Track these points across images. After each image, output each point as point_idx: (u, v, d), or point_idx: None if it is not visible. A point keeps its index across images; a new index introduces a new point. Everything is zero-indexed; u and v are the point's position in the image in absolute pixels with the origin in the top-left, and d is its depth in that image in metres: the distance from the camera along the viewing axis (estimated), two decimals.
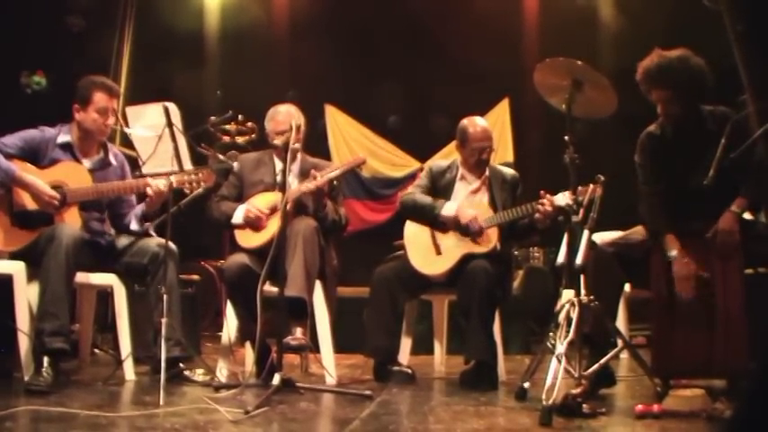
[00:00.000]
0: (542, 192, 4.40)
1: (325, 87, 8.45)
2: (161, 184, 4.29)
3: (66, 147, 4.43)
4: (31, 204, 4.26)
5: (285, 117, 4.59)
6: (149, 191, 4.33)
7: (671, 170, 3.96)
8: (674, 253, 3.81)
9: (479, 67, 7.73)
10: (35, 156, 4.35)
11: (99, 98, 4.40)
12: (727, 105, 3.87)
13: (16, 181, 4.21)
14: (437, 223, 4.68)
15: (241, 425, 3.22)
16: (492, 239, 4.58)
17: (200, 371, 4.45)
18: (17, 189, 4.24)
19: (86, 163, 4.46)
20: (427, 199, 4.73)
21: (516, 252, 6.67)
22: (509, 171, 4.89)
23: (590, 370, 3.65)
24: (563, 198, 4.27)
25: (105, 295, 4.96)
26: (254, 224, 4.51)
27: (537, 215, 4.44)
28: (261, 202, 4.56)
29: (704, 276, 3.77)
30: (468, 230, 4.59)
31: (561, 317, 3.70)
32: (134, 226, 4.53)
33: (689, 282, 3.77)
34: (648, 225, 4.00)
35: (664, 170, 3.99)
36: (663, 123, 4.04)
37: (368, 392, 3.92)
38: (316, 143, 7.35)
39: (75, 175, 4.35)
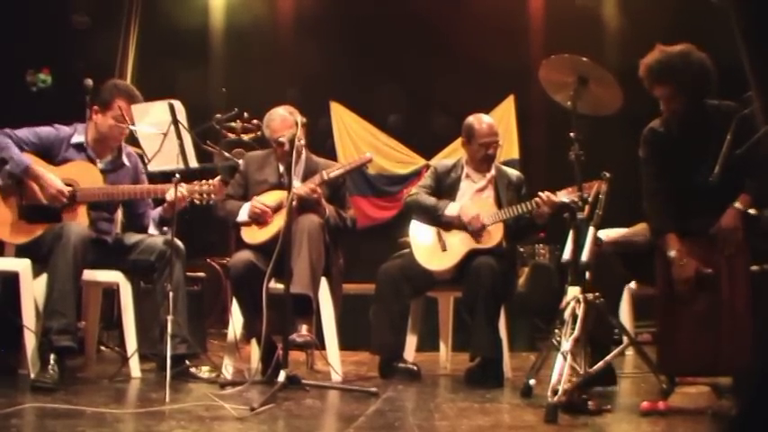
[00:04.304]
0: (540, 193, 4.44)
1: (331, 84, 8.44)
2: (173, 193, 4.29)
3: (80, 147, 4.45)
4: (41, 199, 4.27)
5: (280, 125, 4.59)
6: (168, 197, 4.34)
7: (676, 167, 3.94)
8: (672, 253, 3.78)
9: (485, 64, 7.71)
10: (48, 153, 4.37)
11: (120, 106, 4.42)
12: (731, 102, 3.85)
13: (29, 173, 4.22)
14: (441, 223, 4.69)
15: (246, 422, 3.22)
16: (496, 236, 4.59)
17: (205, 368, 4.46)
18: (29, 182, 4.25)
19: (99, 164, 4.48)
20: (431, 200, 4.74)
21: (522, 249, 6.67)
22: (515, 172, 4.91)
23: (595, 367, 3.64)
24: (565, 195, 4.28)
25: (111, 292, 4.98)
26: (259, 219, 4.51)
27: (540, 209, 4.47)
28: (267, 199, 4.56)
29: (706, 273, 3.74)
30: (468, 229, 4.60)
31: (567, 314, 3.70)
32: (152, 230, 4.56)
33: (687, 284, 3.74)
34: (652, 223, 3.98)
35: (668, 167, 3.97)
36: (667, 120, 4.02)
37: (373, 389, 3.92)
38: (319, 141, 7.37)
39: (88, 175, 4.37)
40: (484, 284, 4.39)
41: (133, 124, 4.40)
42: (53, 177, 4.26)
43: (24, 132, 4.34)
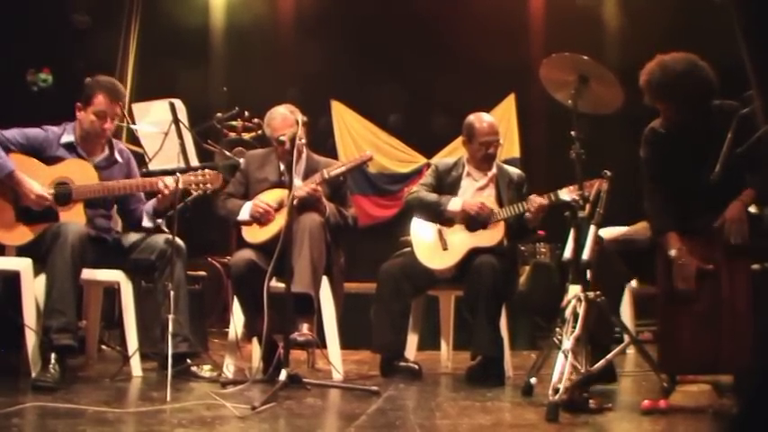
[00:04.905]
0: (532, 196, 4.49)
1: (331, 83, 8.45)
2: (171, 182, 4.28)
3: (70, 146, 4.43)
4: None
5: (281, 123, 4.59)
6: (161, 185, 4.33)
7: (677, 167, 3.94)
8: (673, 252, 3.77)
9: (485, 63, 7.71)
10: (38, 154, 4.34)
11: (99, 101, 4.39)
12: (733, 101, 3.84)
13: (11, 178, 4.20)
14: (443, 219, 4.69)
15: (248, 420, 3.22)
16: (498, 234, 4.59)
17: (207, 367, 4.45)
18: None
19: (92, 161, 4.47)
20: (432, 196, 4.74)
21: (523, 247, 6.67)
22: (516, 171, 4.92)
23: (596, 366, 3.64)
24: (566, 193, 4.28)
25: (112, 292, 4.98)
26: (261, 219, 4.51)
27: (527, 214, 4.49)
28: (268, 197, 4.56)
29: (707, 269, 3.74)
30: (478, 219, 4.60)
31: (568, 312, 3.69)
32: (146, 222, 4.54)
33: (687, 282, 3.73)
34: (653, 222, 3.98)
35: (669, 167, 3.97)
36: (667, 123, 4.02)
37: (374, 388, 3.92)
38: (320, 140, 7.37)
39: (82, 173, 4.36)
40: (485, 283, 4.39)
41: (114, 120, 4.39)
42: (33, 184, 4.22)
43: (12, 132, 4.31)
